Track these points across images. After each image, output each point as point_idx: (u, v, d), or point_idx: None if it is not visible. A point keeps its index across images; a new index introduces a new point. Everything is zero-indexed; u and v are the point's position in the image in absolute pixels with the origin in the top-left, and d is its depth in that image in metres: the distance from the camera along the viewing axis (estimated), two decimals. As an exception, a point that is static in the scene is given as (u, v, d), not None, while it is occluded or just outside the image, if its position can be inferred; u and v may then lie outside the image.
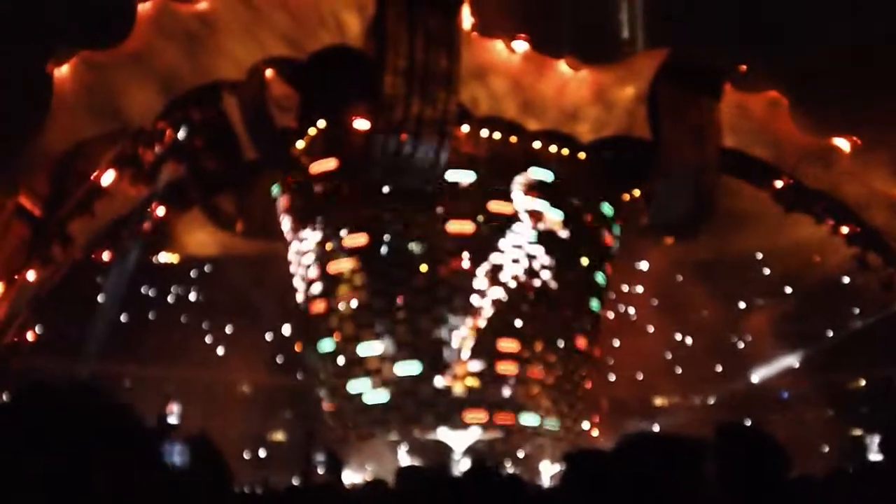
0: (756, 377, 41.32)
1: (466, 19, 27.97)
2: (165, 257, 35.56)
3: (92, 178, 24.79)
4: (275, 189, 31.61)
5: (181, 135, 26.70)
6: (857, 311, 40.59)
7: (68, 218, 24.80)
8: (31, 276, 24.76)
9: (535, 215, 30.93)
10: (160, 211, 28.77)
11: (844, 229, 31.65)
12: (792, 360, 41.45)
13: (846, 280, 37.48)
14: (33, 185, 24.78)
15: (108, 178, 24.95)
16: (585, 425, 33.88)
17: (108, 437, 1.45)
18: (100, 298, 30.51)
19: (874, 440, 39.10)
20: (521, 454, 31.49)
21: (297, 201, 31.05)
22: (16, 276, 24.44)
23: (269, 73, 27.04)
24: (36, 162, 24.90)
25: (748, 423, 36.35)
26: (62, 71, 24.90)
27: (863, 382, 43.47)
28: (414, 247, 30.21)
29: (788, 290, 40.90)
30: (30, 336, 26.82)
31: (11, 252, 24.49)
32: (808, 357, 40.98)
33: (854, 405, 42.02)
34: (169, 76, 25.73)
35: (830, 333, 41.81)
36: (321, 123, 29.09)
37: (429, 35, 25.83)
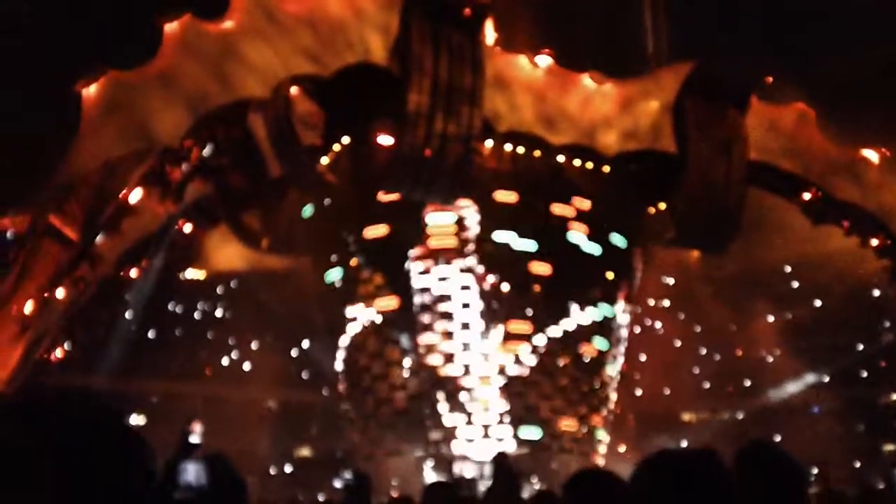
0: (785, 392, 40.88)
1: (490, 35, 28.03)
2: (192, 274, 35.83)
3: (120, 196, 25.04)
4: (307, 210, 31.73)
5: (207, 153, 26.91)
6: (887, 324, 40.05)
7: (97, 236, 25.05)
8: (60, 293, 25.02)
9: None
10: (187, 228, 29.02)
11: (874, 241, 31.26)
12: (822, 375, 40.96)
13: (876, 293, 37.00)
14: (63, 205, 25.08)
15: (135, 196, 25.18)
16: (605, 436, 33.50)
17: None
18: (127, 315, 30.77)
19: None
20: (548, 469, 31.28)
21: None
22: (45, 295, 24.70)
23: (293, 90, 27.22)
24: (65, 181, 25.21)
25: (778, 438, 35.95)
26: (90, 91, 25.22)
27: (894, 397, 42.83)
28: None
29: (818, 303, 40.45)
30: (59, 353, 27.07)
31: (42, 271, 24.78)
32: (839, 371, 40.48)
33: (886, 420, 41.41)
34: (195, 95, 25.97)
35: (861, 347, 41.28)
36: (345, 140, 29.27)
37: (452, 52, 25.91)
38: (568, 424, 30.75)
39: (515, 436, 29.68)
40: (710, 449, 2.50)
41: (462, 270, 30.05)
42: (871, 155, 31.45)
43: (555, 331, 30.66)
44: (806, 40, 44.25)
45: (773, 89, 31.01)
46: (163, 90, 25.43)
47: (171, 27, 25.22)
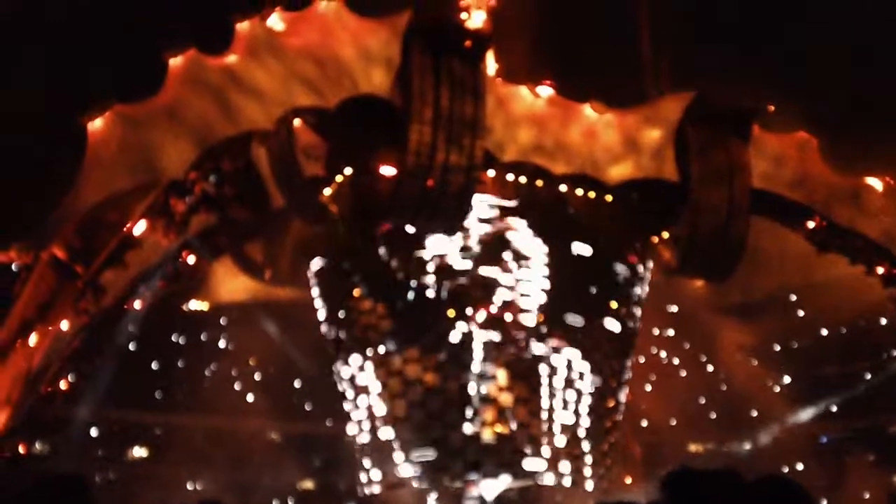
0: (793, 421, 40.56)
1: (491, 66, 28.22)
2: (196, 305, 35.81)
3: (124, 229, 25.13)
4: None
5: (211, 184, 27.02)
6: (895, 352, 39.83)
7: (101, 268, 25.10)
8: (64, 325, 25.03)
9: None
10: (190, 260, 29.05)
11: (880, 269, 31.17)
12: (829, 404, 40.68)
13: (884, 321, 36.82)
14: (67, 237, 25.17)
15: (140, 228, 25.26)
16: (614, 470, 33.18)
17: None
18: (131, 347, 30.72)
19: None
20: (552, 501, 30.99)
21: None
22: (49, 327, 24.70)
23: (297, 122, 27.36)
24: (70, 214, 25.32)
25: (785, 469, 35.62)
26: (95, 124, 25.39)
27: (904, 426, 42.50)
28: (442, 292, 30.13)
29: (824, 331, 40.24)
30: (63, 385, 27.04)
31: (45, 303, 24.81)
32: (847, 400, 40.20)
33: (894, 450, 41.02)
34: (200, 128, 26.14)
35: (869, 376, 41.02)
36: (348, 171, 29.37)
37: (454, 83, 26.08)
38: (573, 456, 30.47)
39: (519, 467, 29.40)
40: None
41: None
42: (875, 183, 31.47)
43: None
44: (807, 68, 44.50)
45: (775, 117, 31.08)
46: (167, 124, 25.61)
47: (175, 62, 25.42)
